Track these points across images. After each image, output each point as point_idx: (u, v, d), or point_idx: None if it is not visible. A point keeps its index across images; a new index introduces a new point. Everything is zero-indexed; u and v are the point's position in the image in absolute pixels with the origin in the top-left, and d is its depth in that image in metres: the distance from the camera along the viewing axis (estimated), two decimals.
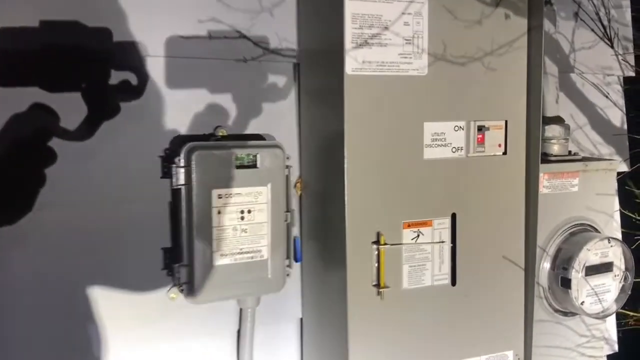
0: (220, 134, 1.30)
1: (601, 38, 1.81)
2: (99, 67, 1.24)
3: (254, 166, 1.24)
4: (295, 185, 1.43)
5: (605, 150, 1.89)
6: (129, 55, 1.27)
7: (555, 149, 1.64)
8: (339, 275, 1.29)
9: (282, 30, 1.43)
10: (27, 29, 1.15)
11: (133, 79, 1.28)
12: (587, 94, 1.86)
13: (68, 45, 1.20)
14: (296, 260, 1.32)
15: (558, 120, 1.65)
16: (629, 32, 1.90)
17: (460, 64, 1.36)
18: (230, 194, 1.22)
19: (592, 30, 1.83)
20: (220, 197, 1.21)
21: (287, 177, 1.30)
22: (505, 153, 1.44)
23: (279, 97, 1.45)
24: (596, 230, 1.64)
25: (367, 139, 1.28)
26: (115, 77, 1.26)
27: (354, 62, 1.25)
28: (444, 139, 1.36)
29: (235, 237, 1.23)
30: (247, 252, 1.25)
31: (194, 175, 1.19)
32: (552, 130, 1.63)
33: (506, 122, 1.43)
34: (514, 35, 1.42)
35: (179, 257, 1.23)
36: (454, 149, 1.38)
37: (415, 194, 1.35)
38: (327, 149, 1.35)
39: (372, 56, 1.27)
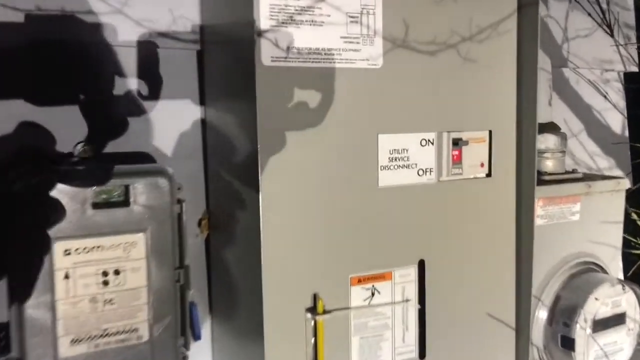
0: (82, 154, 0.87)
1: (599, 24, 1.45)
2: None
3: (124, 204, 0.83)
4: (199, 225, 1.02)
5: (604, 162, 1.54)
6: None
7: (549, 165, 1.27)
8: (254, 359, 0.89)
9: (179, 5, 1.01)
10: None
11: None
12: (583, 93, 1.50)
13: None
14: (195, 338, 0.91)
15: (552, 127, 1.28)
16: (630, 17, 1.55)
17: (428, 52, 0.97)
18: (86, 247, 0.80)
19: (589, 14, 1.46)
20: (68, 252, 0.79)
21: (179, 217, 0.88)
22: (489, 174, 1.06)
23: (177, 96, 1.03)
24: (602, 269, 1.28)
25: (294, 160, 0.88)
26: None
27: (272, 49, 0.85)
28: (406, 157, 0.97)
29: (95, 313, 0.82)
30: (116, 334, 0.83)
31: (19, 219, 0.77)
32: (546, 140, 1.26)
33: (490, 132, 1.05)
34: (500, 15, 1.04)
35: (6, 345, 0.81)
36: (420, 172, 0.99)
37: (368, 236, 0.95)
38: (238, 172, 0.95)
39: (302, 40, 0.87)
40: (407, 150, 0.97)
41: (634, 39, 1.52)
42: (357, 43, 0.91)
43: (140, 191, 0.83)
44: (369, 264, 0.95)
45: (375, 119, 0.94)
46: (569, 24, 1.44)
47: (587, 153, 1.50)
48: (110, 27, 0.96)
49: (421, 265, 1.00)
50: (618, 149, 1.56)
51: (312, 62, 0.88)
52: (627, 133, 1.58)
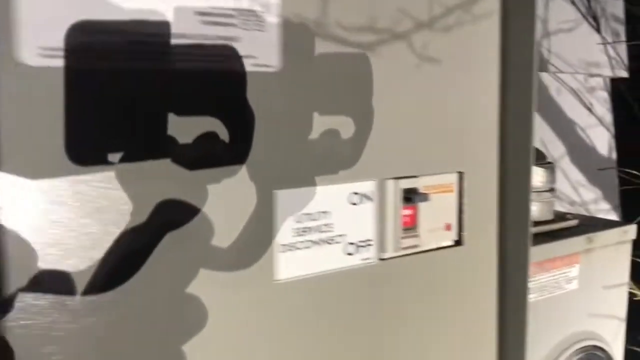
0: None
1: (584, 15, 1.08)
2: None
3: None
4: None
5: (589, 194, 1.18)
6: None
7: (534, 211, 0.89)
8: None
9: None
10: None
11: None
12: (565, 105, 1.14)
13: None
14: None
15: (537, 156, 0.91)
16: (619, 8, 1.20)
17: (362, 45, 0.57)
18: None
19: (573, 2, 1.10)
20: None
21: None
22: (459, 242, 0.67)
23: None
24: (608, 355, 0.92)
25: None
26: None
27: (37, 37, 0.41)
28: (326, 226, 0.56)
29: None
30: None
31: None
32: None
33: (461, 175, 0.66)
34: None
35: None
36: (351, 248, 0.58)
37: None
38: None
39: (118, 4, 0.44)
40: (327, 214, 0.56)
41: (623, 36, 1.18)
42: (231, 25, 0.49)
43: None
44: None
45: (268, 163, 0.52)
46: (550, 14, 1.07)
47: (569, 183, 1.14)
48: None
49: None
50: (604, 175, 1.21)
51: (130, 59, 0.45)
52: (614, 155, 1.24)
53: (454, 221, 0.66)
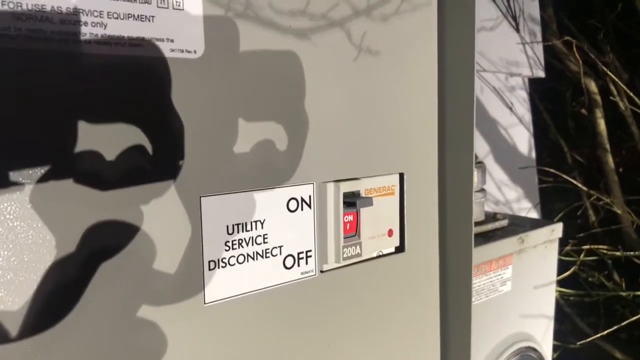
0: None
1: (504, 14, 1.08)
2: None
3: None
4: None
5: (512, 193, 1.19)
6: None
7: None
8: None
9: None
10: None
11: None
12: (488, 105, 1.13)
13: None
14: None
15: None
16: (535, 9, 1.22)
17: (295, 33, 0.51)
18: None
19: (494, 0, 1.10)
20: None
21: None
22: (401, 248, 0.62)
23: None
24: (540, 355, 0.91)
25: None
26: None
27: None
28: (260, 237, 0.49)
29: None
30: None
31: None
32: None
33: (402, 177, 0.61)
34: None
35: None
36: (289, 260, 0.52)
37: None
38: None
39: None
40: (262, 223, 0.49)
41: (539, 36, 1.20)
42: (143, 3, 0.41)
43: None
44: None
45: (192, 167, 0.45)
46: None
47: (494, 183, 1.14)
48: None
49: None
50: (525, 174, 1.23)
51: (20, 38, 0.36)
52: (534, 154, 1.26)
53: (395, 226, 0.61)
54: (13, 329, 0.37)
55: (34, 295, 0.37)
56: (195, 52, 0.44)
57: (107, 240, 0.40)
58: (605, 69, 1.20)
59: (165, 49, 0.42)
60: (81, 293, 0.39)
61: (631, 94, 1.32)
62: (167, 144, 0.43)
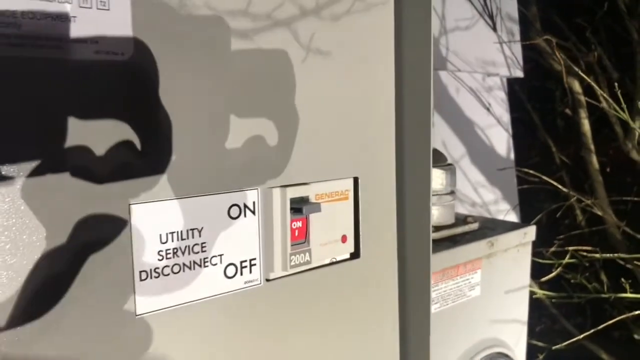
0: None
1: (480, 14, 1.07)
2: None
3: None
4: None
5: (489, 195, 1.17)
6: None
7: (434, 215, 0.85)
8: None
9: None
10: None
11: None
12: (464, 105, 1.12)
13: None
14: None
15: (436, 158, 0.87)
16: (513, 8, 1.20)
17: (239, 34, 0.49)
18: None
19: None
20: None
21: None
22: (356, 254, 0.60)
23: None
24: None
25: None
26: None
27: None
28: (198, 245, 0.47)
29: None
30: None
31: None
32: None
33: (356, 181, 0.60)
34: None
35: None
36: (230, 270, 0.50)
37: None
38: None
39: None
40: (200, 232, 0.47)
41: (517, 36, 1.18)
42: (63, 2, 0.39)
43: None
44: None
45: (123, 171, 0.43)
46: (447, 10, 1.04)
47: (470, 184, 1.12)
48: None
49: None
50: (504, 176, 1.21)
51: None
52: (512, 155, 1.24)
53: (350, 232, 0.59)
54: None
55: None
56: (122, 54, 0.42)
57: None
58: (576, 69, 1.18)
59: (88, 53, 0.40)
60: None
61: (618, 93, 1.30)
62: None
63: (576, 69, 1.15)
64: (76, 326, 0.41)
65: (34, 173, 0.38)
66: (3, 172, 0.37)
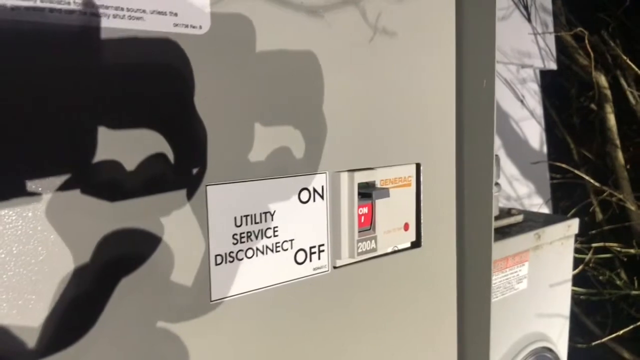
0: None
1: (515, 4, 1.05)
2: None
3: None
4: None
5: (523, 189, 1.15)
6: None
7: None
8: None
9: None
10: None
11: None
12: (499, 97, 1.10)
13: None
14: None
15: None
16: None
17: (308, 10, 0.47)
18: None
19: None
20: None
21: None
22: (417, 243, 0.58)
23: None
24: (556, 356, 0.87)
25: None
26: None
27: None
28: (270, 230, 0.46)
29: None
30: None
31: None
32: None
33: (418, 166, 0.58)
34: None
35: None
36: (300, 255, 0.48)
37: None
38: None
39: None
40: (271, 215, 0.46)
41: (551, 27, 1.16)
42: None
43: None
44: None
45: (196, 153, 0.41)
46: None
47: (505, 178, 1.10)
48: None
49: None
50: (536, 169, 1.19)
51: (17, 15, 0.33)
52: (545, 149, 1.22)
53: (412, 220, 0.57)
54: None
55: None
56: (200, 28, 0.40)
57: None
58: (609, 62, 1.16)
59: (167, 26, 0.39)
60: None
61: None
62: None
63: (610, 61, 1.13)
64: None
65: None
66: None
